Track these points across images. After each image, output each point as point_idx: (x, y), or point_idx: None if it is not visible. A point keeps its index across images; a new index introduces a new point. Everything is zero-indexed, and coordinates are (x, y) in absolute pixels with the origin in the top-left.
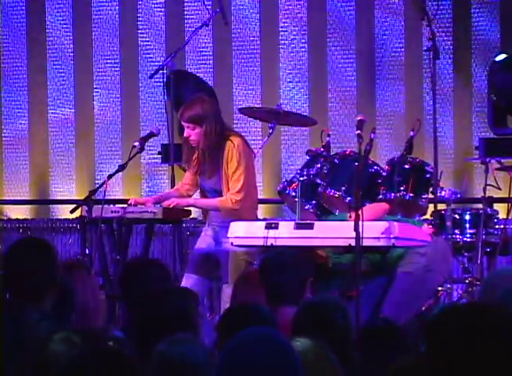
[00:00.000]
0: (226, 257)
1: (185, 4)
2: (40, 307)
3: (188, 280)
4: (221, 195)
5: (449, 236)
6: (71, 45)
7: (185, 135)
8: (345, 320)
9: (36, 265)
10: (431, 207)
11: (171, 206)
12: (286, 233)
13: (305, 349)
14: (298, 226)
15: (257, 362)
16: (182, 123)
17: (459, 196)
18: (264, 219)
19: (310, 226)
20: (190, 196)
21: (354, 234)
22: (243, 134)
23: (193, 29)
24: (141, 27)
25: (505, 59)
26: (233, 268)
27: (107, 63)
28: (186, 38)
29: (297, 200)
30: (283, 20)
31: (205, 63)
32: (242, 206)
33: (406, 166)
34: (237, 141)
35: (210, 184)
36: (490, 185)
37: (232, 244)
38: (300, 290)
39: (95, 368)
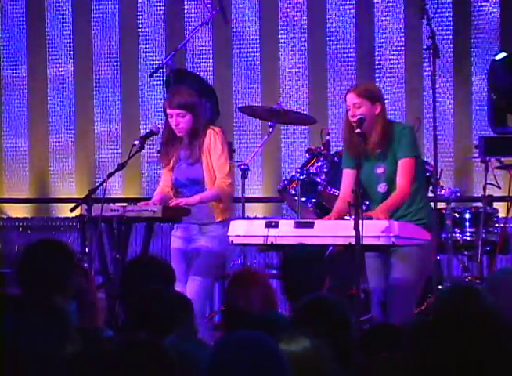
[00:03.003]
0: (198, 252)
1: (185, 3)
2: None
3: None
4: (201, 186)
5: (449, 235)
6: (71, 44)
7: (174, 123)
8: (345, 317)
9: (53, 265)
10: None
11: (181, 205)
12: (287, 232)
13: (303, 349)
14: (298, 225)
15: (242, 363)
16: (170, 111)
17: (458, 194)
18: (264, 218)
19: (310, 225)
20: (172, 197)
21: (354, 233)
22: (242, 133)
23: (193, 28)
24: (141, 25)
25: (505, 57)
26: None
27: (107, 61)
28: (186, 37)
29: (297, 198)
30: (283, 19)
31: (205, 62)
32: (233, 188)
33: None
34: (217, 129)
35: (191, 175)
36: (490, 183)
37: (232, 242)
38: (318, 285)
39: (131, 359)
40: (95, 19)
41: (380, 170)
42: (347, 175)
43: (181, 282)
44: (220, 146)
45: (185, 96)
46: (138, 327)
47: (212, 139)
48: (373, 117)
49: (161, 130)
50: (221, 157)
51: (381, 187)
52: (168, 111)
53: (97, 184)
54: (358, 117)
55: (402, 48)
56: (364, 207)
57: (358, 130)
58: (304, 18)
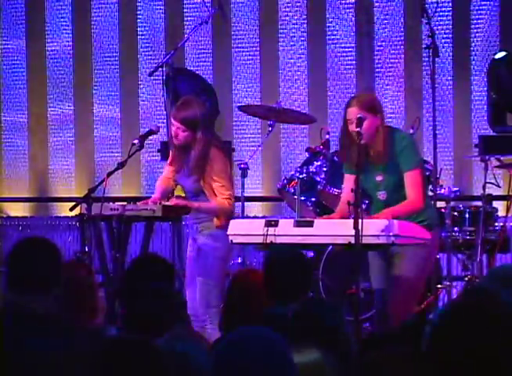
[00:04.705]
0: (200, 252)
1: (185, 1)
2: (44, 303)
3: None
4: (192, 196)
5: (449, 234)
6: (71, 43)
7: (172, 133)
8: (338, 321)
9: (40, 262)
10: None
11: (180, 205)
12: (286, 231)
13: (313, 360)
14: (298, 224)
15: (248, 360)
16: (172, 120)
17: (458, 193)
18: (263, 217)
19: (310, 224)
20: (173, 188)
21: (353, 232)
22: (242, 132)
23: (193, 26)
24: (140, 24)
25: (504, 56)
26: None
27: (107, 60)
28: (186, 36)
29: (296, 197)
30: (283, 18)
31: (204, 61)
32: (233, 208)
33: None
34: (217, 146)
35: (185, 183)
36: (489, 182)
37: (231, 241)
38: (301, 287)
39: (120, 359)
40: (94, 18)
41: (379, 178)
42: (349, 180)
43: (190, 281)
44: (221, 166)
45: (191, 112)
46: (135, 326)
47: (214, 159)
48: (375, 129)
49: (161, 129)
50: (223, 178)
51: (381, 195)
52: (171, 119)
53: (96, 183)
54: (358, 115)
55: (402, 47)
56: (364, 207)
57: (357, 129)
58: (304, 17)
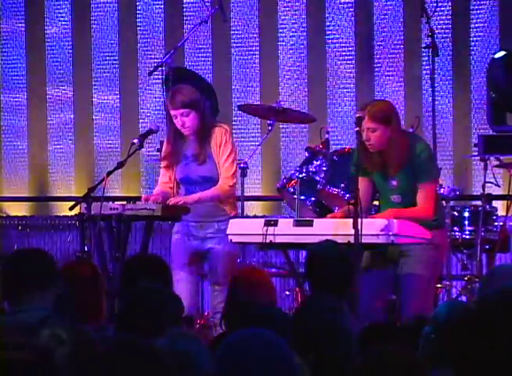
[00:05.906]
0: (217, 256)
1: (184, 1)
2: (41, 303)
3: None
4: (213, 184)
5: (448, 233)
6: (70, 42)
7: (179, 124)
8: (343, 322)
9: (38, 267)
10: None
11: (179, 204)
12: (286, 230)
13: None
14: (297, 223)
15: (250, 362)
16: (173, 112)
17: (457, 193)
18: (263, 216)
19: (309, 223)
20: (174, 194)
21: (353, 231)
22: (242, 131)
23: (192, 26)
24: (140, 23)
25: (504, 56)
26: (224, 268)
27: (106, 59)
28: (185, 35)
29: (296, 197)
30: (282, 17)
31: (204, 60)
32: (235, 189)
33: None
34: (227, 127)
35: (205, 173)
36: (489, 182)
37: (231, 240)
38: (344, 283)
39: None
40: (94, 18)
41: (394, 182)
42: (362, 182)
43: (179, 270)
44: (230, 146)
45: (186, 94)
46: (129, 326)
47: (223, 137)
48: (386, 139)
49: (160, 128)
50: (230, 157)
51: (395, 198)
52: (172, 112)
53: (96, 182)
54: (358, 115)
55: (401, 46)
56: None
57: (357, 129)
58: (303, 16)
